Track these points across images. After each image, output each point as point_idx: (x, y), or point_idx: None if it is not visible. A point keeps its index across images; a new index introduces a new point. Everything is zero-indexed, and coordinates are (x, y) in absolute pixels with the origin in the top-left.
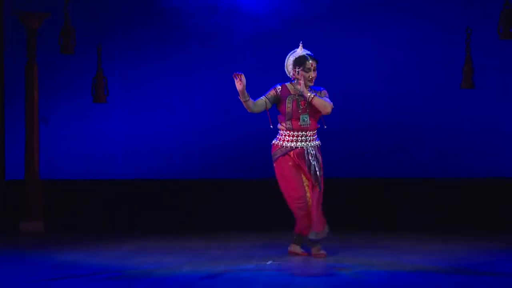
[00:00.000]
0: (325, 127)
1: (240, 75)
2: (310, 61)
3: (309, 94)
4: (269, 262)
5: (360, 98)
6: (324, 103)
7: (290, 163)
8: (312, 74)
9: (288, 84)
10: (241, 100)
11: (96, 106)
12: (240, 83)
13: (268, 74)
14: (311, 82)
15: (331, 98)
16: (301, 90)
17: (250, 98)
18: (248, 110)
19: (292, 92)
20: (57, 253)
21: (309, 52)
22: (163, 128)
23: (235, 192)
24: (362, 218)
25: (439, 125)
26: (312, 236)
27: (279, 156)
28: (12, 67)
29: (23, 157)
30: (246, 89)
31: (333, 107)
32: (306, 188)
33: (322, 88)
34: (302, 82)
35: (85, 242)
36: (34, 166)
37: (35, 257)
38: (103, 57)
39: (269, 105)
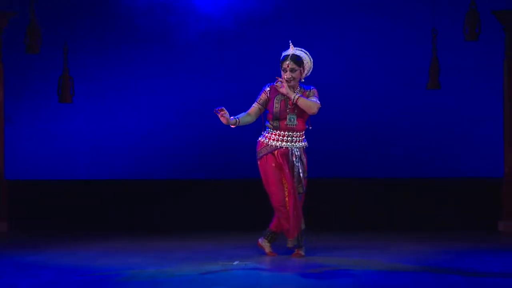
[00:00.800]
0: (310, 127)
1: (221, 110)
2: (287, 62)
3: (293, 96)
4: (235, 263)
5: (325, 100)
6: (309, 104)
7: (273, 164)
8: (287, 75)
9: (276, 85)
10: (232, 126)
11: (62, 106)
12: (223, 118)
13: (235, 73)
14: (288, 82)
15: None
16: (285, 93)
17: (238, 118)
18: (245, 124)
19: (279, 92)
20: (21, 254)
21: (295, 52)
22: (129, 128)
23: (201, 191)
24: (335, 218)
25: (405, 125)
26: (288, 244)
27: (263, 155)
28: None
29: None
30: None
31: (319, 106)
32: (286, 192)
33: (311, 87)
34: (285, 84)
35: (50, 243)
36: None
37: None
38: (69, 57)
39: (262, 109)
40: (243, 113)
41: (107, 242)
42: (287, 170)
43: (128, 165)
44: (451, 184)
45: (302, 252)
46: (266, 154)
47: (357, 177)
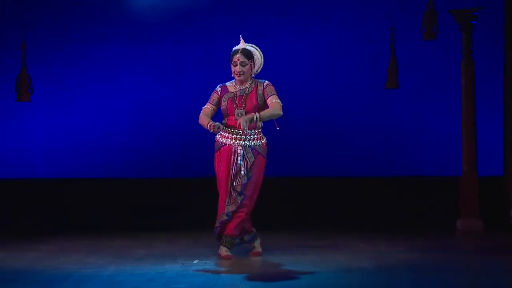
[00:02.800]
0: (278, 128)
1: (219, 128)
2: (237, 55)
3: (254, 117)
4: (195, 261)
5: (286, 97)
6: (272, 113)
7: (220, 163)
8: (238, 69)
9: (228, 84)
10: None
11: (20, 104)
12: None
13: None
14: (237, 76)
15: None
16: (244, 125)
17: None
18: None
19: (230, 90)
20: None
21: (246, 46)
22: (87, 127)
23: (159, 190)
24: (297, 218)
25: (364, 124)
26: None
27: (215, 152)
28: None
29: None
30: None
31: (281, 105)
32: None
33: (265, 81)
34: (240, 120)
35: (5, 243)
36: None
37: None
38: (27, 55)
39: (216, 109)
40: (202, 115)
41: (62, 242)
42: (222, 167)
43: (85, 164)
44: (409, 183)
45: (259, 249)
46: (216, 151)
47: (315, 175)
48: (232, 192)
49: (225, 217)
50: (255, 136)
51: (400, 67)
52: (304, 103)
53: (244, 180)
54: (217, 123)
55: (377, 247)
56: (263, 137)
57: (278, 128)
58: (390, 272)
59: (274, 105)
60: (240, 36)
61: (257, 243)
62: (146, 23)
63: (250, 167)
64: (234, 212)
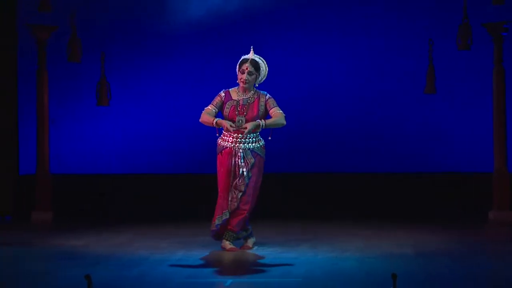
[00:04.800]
0: (270, 138)
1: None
2: (246, 64)
3: (260, 124)
4: (255, 247)
5: (333, 102)
6: (276, 122)
7: (221, 166)
8: (244, 77)
9: (231, 90)
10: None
11: (100, 108)
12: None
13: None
14: (243, 83)
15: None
16: (250, 130)
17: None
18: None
19: (233, 97)
20: (63, 241)
21: (254, 57)
22: (157, 128)
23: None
24: (343, 210)
25: (405, 125)
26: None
27: (217, 154)
28: (24, 74)
29: (34, 154)
30: None
31: (285, 115)
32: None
33: (266, 93)
34: (247, 125)
35: (89, 230)
36: (44, 162)
37: (44, 245)
38: (106, 65)
39: (217, 112)
40: (205, 115)
41: (139, 230)
42: (222, 169)
43: (155, 161)
44: (446, 178)
45: (250, 245)
46: (218, 153)
47: (362, 172)
48: (234, 191)
49: (227, 216)
50: (254, 139)
51: (437, 74)
52: (352, 107)
53: (246, 180)
54: (229, 122)
55: (416, 236)
56: (261, 139)
57: (270, 138)
58: (429, 258)
59: (278, 115)
60: (251, 47)
61: (250, 241)
62: (213, 36)
63: (251, 168)
64: (236, 209)
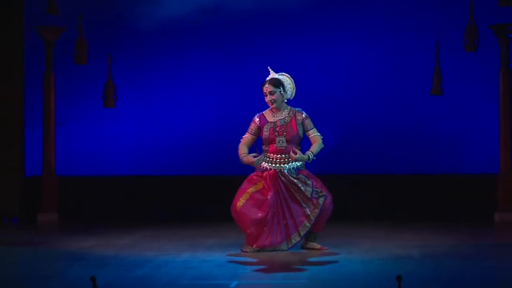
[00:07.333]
0: (257, 153)
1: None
2: (266, 86)
3: (309, 157)
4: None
5: (343, 102)
6: (319, 148)
7: (255, 177)
8: (268, 98)
9: (264, 112)
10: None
11: (106, 110)
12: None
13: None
14: (270, 104)
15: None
16: (298, 159)
17: (248, 154)
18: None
19: (268, 119)
20: (69, 242)
21: (273, 76)
22: (164, 129)
23: (231, 186)
24: (352, 211)
25: (412, 126)
26: (244, 248)
27: (255, 171)
28: (31, 76)
29: (41, 156)
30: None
31: (322, 137)
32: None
33: (301, 111)
34: (293, 155)
35: (94, 232)
36: (51, 164)
37: (50, 246)
38: (112, 67)
39: (256, 138)
40: (240, 146)
41: (145, 232)
42: (270, 192)
43: (163, 162)
44: (452, 179)
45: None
46: (255, 171)
47: (369, 173)
48: (307, 202)
49: (308, 226)
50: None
51: (444, 76)
52: (359, 107)
53: (309, 192)
54: (257, 158)
55: (422, 237)
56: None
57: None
58: (436, 260)
59: (318, 139)
60: (269, 67)
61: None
62: (220, 36)
63: (304, 180)
64: (320, 211)
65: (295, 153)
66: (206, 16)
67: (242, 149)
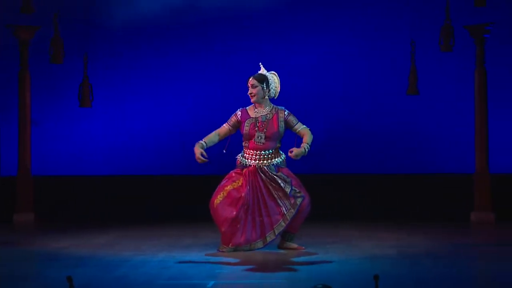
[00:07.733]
0: (224, 151)
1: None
2: (250, 79)
3: (306, 150)
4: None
5: (317, 102)
6: (311, 139)
7: (233, 174)
8: (249, 91)
9: (248, 108)
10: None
11: (82, 110)
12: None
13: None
14: (251, 98)
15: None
16: (298, 154)
17: (206, 140)
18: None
19: (250, 115)
20: (46, 242)
21: (263, 72)
22: (140, 129)
23: (205, 185)
24: (328, 211)
25: (387, 126)
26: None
27: (235, 168)
28: (6, 75)
29: (16, 155)
30: None
31: (309, 128)
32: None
33: (284, 108)
34: (291, 154)
35: (70, 232)
36: (26, 164)
37: (26, 247)
38: (88, 66)
39: (233, 131)
40: (213, 132)
41: (121, 231)
42: (245, 188)
43: (138, 162)
44: (427, 179)
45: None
46: (236, 168)
47: (343, 173)
48: (285, 201)
49: (283, 225)
50: (274, 154)
51: (420, 75)
52: (334, 108)
53: (288, 189)
54: (202, 158)
55: (399, 237)
56: (282, 153)
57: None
58: (413, 259)
59: (307, 131)
60: (260, 63)
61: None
62: (195, 35)
63: (283, 177)
64: (297, 212)
65: (291, 152)
66: (181, 15)
67: (211, 136)
